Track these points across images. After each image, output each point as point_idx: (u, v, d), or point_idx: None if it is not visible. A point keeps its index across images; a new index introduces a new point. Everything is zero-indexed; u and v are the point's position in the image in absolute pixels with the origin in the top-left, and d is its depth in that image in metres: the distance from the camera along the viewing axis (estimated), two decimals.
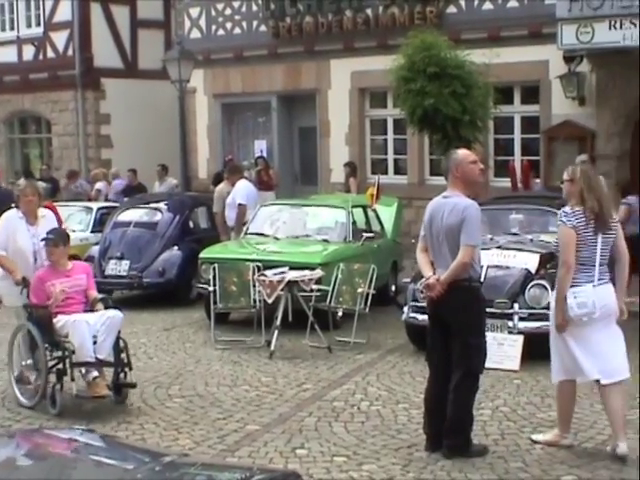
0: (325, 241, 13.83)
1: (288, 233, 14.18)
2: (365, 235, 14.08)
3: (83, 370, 9.35)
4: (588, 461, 7.72)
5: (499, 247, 11.71)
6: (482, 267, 9.94)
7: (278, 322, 11.64)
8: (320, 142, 21.20)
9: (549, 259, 11.73)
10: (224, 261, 12.89)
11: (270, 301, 11.76)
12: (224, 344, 12.16)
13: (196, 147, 23.05)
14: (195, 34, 22.88)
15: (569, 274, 7.67)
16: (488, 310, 8.80)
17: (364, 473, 7.54)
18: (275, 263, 12.41)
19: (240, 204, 15.14)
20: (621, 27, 15.74)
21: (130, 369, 9.47)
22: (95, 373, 9.33)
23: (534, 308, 11.07)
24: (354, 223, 14.30)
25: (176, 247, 15.65)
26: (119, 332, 9.41)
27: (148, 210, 16.77)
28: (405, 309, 11.52)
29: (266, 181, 19.82)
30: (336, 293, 12.26)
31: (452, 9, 19.01)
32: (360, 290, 12.08)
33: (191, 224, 16.51)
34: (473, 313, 7.78)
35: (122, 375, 9.48)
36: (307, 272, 11.97)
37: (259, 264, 12.41)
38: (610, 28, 15.85)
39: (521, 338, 10.69)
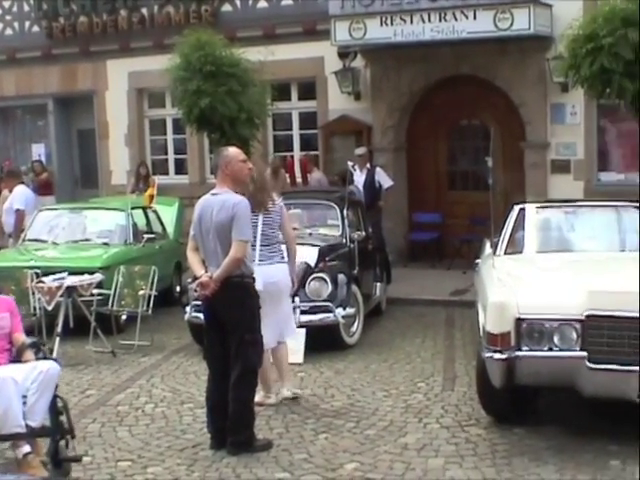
0: (105, 244, 13.69)
1: (67, 238, 13.95)
2: (146, 236, 14.01)
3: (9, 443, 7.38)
4: (370, 447, 7.88)
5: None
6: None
7: (59, 329, 11.37)
8: (99, 144, 20.89)
9: (328, 252, 11.97)
10: (1, 269, 12.52)
11: (50, 308, 11.50)
12: None
13: None
14: None
15: None
16: None
17: (149, 476, 7.46)
18: (54, 269, 12.11)
19: (18, 209, 14.80)
20: (392, 23, 16.15)
21: (72, 437, 7.41)
22: (27, 448, 7.21)
23: (315, 301, 11.26)
24: (135, 225, 14.19)
25: None
26: (56, 388, 7.45)
27: None
28: (187, 309, 11.50)
29: (44, 186, 19.38)
30: (118, 296, 12.15)
31: (227, 7, 19.09)
32: (142, 292, 12.03)
33: None
34: (247, 309, 7.80)
35: (63, 444, 7.38)
36: (86, 277, 11.78)
37: (38, 271, 12.12)
38: (381, 24, 16.24)
39: (303, 331, 10.78)
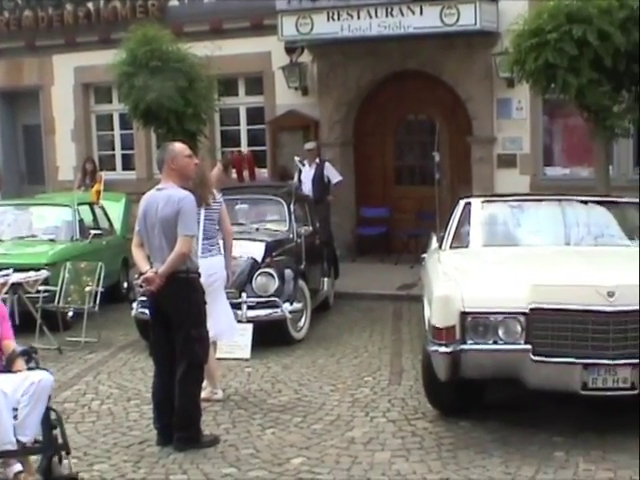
0: (52, 241, 13.60)
1: (13, 234, 13.87)
2: (93, 232, 13.94)
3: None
4: (317, 442, 7.90)
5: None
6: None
7: None
8: (45, 140, 20.72)
9: (275, 247, 11.98)
10: None
11: None
12: None
13: None
14: None
15: None
16: None
17: (95, 473, 7.41)
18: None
19: None
20: (339, 18, 16.19)
21: (68, 453, 6.84)
22: (18, 466, 6.63)
23: (262, 296, 11.27)
24: (81, 221, 14.13)
25: None
26: (49, 399, 6.81)
27: None
28: (134, 305, 11.44)
29: None
30: (64, 293, 12.09)
31: (174, 2, 19.02)
32: (88, 288, 11.99)
33: None
34: (192, 304, 7.79)
35: (56, 460, 6.80)
36: (32, 273, 11.70)
37: None
38: (328, 19, 16.27)
39: (250, 327, 10.81)
